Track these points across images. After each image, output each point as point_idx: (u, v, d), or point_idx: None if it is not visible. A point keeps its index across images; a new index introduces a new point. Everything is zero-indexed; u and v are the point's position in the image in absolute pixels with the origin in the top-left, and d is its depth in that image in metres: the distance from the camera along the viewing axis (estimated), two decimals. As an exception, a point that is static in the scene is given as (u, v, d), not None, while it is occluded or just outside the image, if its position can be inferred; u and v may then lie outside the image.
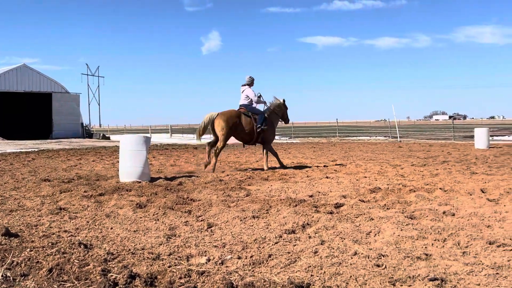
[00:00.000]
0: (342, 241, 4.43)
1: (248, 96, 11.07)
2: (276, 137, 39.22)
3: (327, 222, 5.15)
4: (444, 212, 5.62)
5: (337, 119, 37.68)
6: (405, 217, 5.37)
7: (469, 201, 6.37)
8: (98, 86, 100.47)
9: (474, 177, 9.16)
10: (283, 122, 11.97)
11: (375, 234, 4.67)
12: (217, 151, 10.65)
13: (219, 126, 10.57)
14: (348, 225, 5.03)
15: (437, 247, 4.20)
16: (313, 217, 5.39)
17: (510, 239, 4.37)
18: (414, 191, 7.30)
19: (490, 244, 4.22)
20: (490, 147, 18.75)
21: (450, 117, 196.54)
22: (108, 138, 36.52)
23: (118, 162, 10.38)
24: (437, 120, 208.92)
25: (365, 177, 9.38)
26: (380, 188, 7.72)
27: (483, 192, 7.25)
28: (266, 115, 11.22)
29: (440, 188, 7.54)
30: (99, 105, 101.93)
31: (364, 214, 5.60)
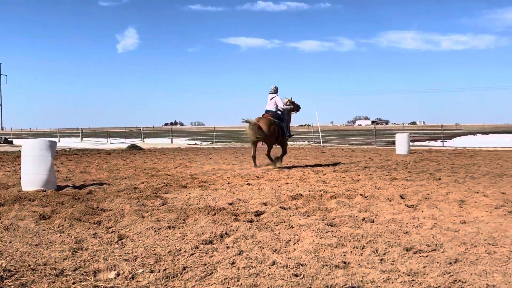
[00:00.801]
0: (261, 250, 4.47)
1: (276, 104, 13.04)
2: (198, 142, 39.02)
3: (246, 231, 5.17)
4: (363, 219, 5.85)
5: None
6: (325, 224, 5.53)
7: (388, 207, 6.68)
8: (0, 85, 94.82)
9: (394, 183, 9.62)
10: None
11: (295, 243, 4.76)
12: (268, 152, 13.14)
13: (263, 131, 12.42)
14: (267, 233, 5.09)
15: (355, 254, 4.35)
16: (232, 226, 5.40)
17: (426, 245, 4.62)
18: (335, 198, 7.54)
19: (407, 250, 4.43)
20: (410, 153, 19.79)
21: (372, 122, 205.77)
22: (11, 142, 34.58)
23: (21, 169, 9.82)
24: (360, 125, 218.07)
25: (287, 183, 9.55)
26: (301, 195, 7.90)
27: (402, 198, 7.63)
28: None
29: (360, 194, 7.85)
30: (0, 105, 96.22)
31: (284, 222, 5.69)
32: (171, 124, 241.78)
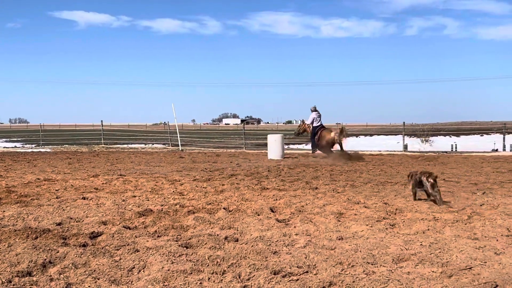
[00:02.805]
0: (95, 282, 4.34)
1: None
2: (18, 144, 36.96)
3: (77, 258, 4.99)
4: (226, 238, 5.95)
5: (102, 122, 37.20)
6: (179, 246, 5.53)
7: (256, 223, 6.87)
8: None
9: (264, 193, 9.92)
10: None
11: (140, 270, 4.69)
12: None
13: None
14: (105, 260, 4.95)
15: (214, 281, 4.40)
16: (58, 252, 5.18)
17: (298, 267, 4.82)
18: (194, 213, 7.60)
19: (274, 274, 4.59)
20: (285, 157, 20.56)
21: (242, 121, 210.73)
22: None
23: None
24: (228, 124, 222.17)
25: (135, 196, 9.43)
26: (151, 211, 7.83)
27: (272, 211, 7.89)
28: None
29: (224, 208, 7.98)
30: None
31: (128, 244, 5.59)
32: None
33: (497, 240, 6.05)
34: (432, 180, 8.76)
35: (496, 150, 27.95)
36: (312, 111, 21.42)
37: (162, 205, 8.37)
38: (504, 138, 28.46)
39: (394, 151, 26.88)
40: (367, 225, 6.84)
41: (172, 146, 31.33)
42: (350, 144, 25.89)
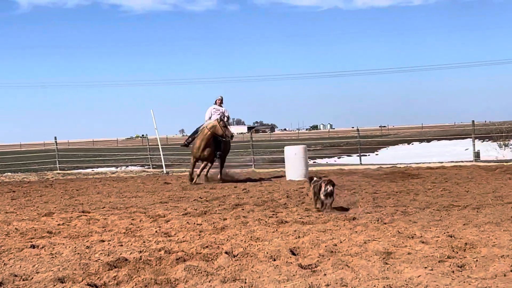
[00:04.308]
0: None
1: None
2: None
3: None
4: (230, 295, 5.92)
5: (55, 139, 37.23)
6: (166, 309, 5.50)
7: (271, 271, 6.83)
8: None
9: (282, 228, 9.89)
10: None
11: None
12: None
13: None
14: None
15: None
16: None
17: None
18: (185, 261, 7.58)
19: None
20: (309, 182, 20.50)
21: (249, 128, 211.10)
22: None
23: None
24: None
25: (103, 241, 9.42)
26: (126, 260, 7.81)
27: (294, 254, 7.86)
28: None
29: (226, 252, 7.94)
30: None
31: (94, 310, 5.57)
32: None
33: None
34: (330, 188, 11.48)
35: None
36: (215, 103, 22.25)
37: (140, 252, 8.35)
38: None
39: (462, 161, 26.87)
40: (425, 267, 6.79)
41: (153, 167, 31.36)
42: (400, 153, 25.89)
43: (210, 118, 21.04)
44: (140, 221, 11.54)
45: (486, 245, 7.89)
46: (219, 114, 21.12)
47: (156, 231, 10.20)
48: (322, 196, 11.85)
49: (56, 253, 8.54)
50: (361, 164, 28.73)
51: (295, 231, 9.58)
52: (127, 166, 34.78)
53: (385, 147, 49.82)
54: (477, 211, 11.10)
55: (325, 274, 6.68)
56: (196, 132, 21.15)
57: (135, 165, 35.01)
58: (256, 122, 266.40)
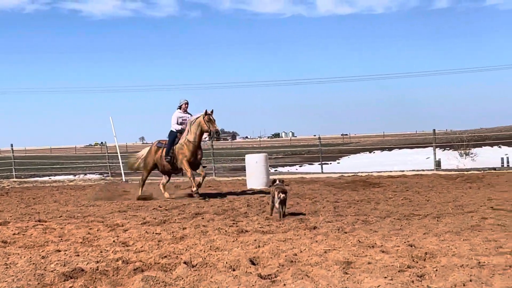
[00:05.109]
0: None
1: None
2: None
3: None
4: (187, 306, 5.85)
5: (12, 146, 36.76)
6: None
7: (230, 282, 6.78)
8: None
9: (242, 238, 9.84)
10: None
11: None
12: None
13: None
14: None
15: None
16: None
17: None
18: (142, 271, 7.51)
19: None
20: (270, 185, 20.46)
21: (210, 136, 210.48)
22: None
23: None
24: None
25: (59, 251, 9.31)
26: (83, 270, 7.72)
27: (253, 263, 7.82)
28: None
29: (185, 262, 7.88)
30: None
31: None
32: None
33: None
34: (282, 195, 12.00)
35: None
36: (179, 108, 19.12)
37: (97, 262, 8.25)
38: None
39: (423, 170, 27.06)
40: (385, 277, 6.79)
41: (112, 176, 31.15)
42: (363, 161, 26.02)
43: (177, 123, 18.58)
44: (97, 230, 11.42)
45: (446, 255, 7.93)
46: (185, 122, 18.40)
47: (114, 241, 10.09)
48: (276, 204, 12.17)
49: (10, 263, 8.41)
50: (322, 172, 28.83)
51: (255, 240, 9.53)
52: (85, 174, 34.50)
53: (347, 155, 49.97)
54: (437, 220, 11.16)
55: (284, 285, 6.65)
56: (173, 140, 18.27)
57: (93, 173, 34.71)
58: (220, 128, 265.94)
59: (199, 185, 17.87)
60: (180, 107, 18.75)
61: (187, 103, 18.86)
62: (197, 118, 17.90)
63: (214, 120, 17.80)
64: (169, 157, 17.93)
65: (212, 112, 17.83)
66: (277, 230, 10.66)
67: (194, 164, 18.04)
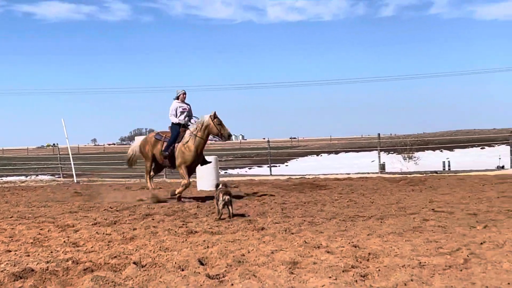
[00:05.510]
0: None
1: None
2: None
3: None
4: (136, 306, 5.87)
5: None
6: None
7: (179, 282, 6.81)
8: None
9: (192, 238, 9.87)
10: None
11: None
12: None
13: None
14: None
15: None
16: None
17: None
18: (92, 271, 7.49)
19: None
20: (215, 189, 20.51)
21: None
22: None
23: None
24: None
25: (9, 251, 9.23)
26: (33, 270, 7.66)
27: (202, 264, 7.85)
28: None
29: (135, 263, 7.88)
30: None
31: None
32: None
33: (502, 291, 6.17)
34: (227, 197, 12.22)
35: (502, 167, 28.70)
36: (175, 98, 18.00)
37: (48, 262, 8.20)
38: (511, 151, 29.09)
39: (368, 173, 27.35)
40: (330, 277, 6.87)
41: (64, 177, 30.88)
42: (309, 164, 26.21)
43: (176, 115, 17.46)
44: (48, 231, 11.33)
45: (388, 255, 8.05)
46: (185, 112, 17.66)
47: (64, 241, 10.03)
48: (220, 206, 12.31)
49: (-41, 264, 8.32)
50: (271, 175, 29.01)
51: (204, 241, 9.57)
52: (37, 175, 34.10)
53: (295, 158, 50.28)
54: (381, 222, 11.30)
55: (232, 284, 6.69)
56: (176, 136, 17.27)
57: (45, 174, 34.34)
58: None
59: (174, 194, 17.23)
60: (177, 98, 17.71)
61: (185, 93, 17.86)
62: (204, 123, 16.91)
63: (222, 124, 17.01)
64: (167, 153, 17.04)
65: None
66: (226, 231, 10.70)
67: (197, 163, 17.56)
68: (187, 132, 17.07)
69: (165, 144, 17.17)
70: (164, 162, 17.52)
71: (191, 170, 17.55)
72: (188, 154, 16.77)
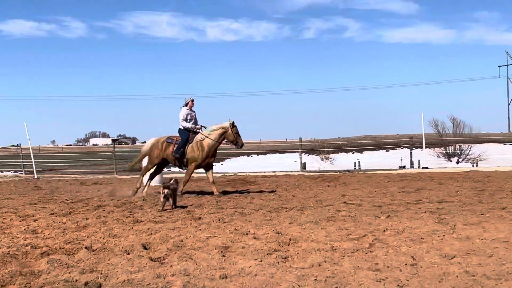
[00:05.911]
0: None
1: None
2: None
3: None
4: (86, 284, 5.81)
5: None
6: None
7: (125, 264, 6.73)
8: None
9: (137, 227, 9.77)
10: None
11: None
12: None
13: None
14: None
15: None
16: None
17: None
18: (48, 255, 7.35)
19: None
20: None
21: (113, 140, 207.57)
22: None
23: None
24: (96, 145, 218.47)
25: (-27, 237, 8.99)
26: (-5, 254, 7.48)
27: (145, 248, 7.78)
28: None
29: (86, 247, 7.76)
30: None
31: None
32: None
33: (400, 271, 6.28)
34: (167, 190, 12.17)
35: (404, 167, 29.29)
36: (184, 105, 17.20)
37: (9, 247, 8.01)
38: (411, 153, 29.86)
39: (291, 171, 27.53)
40: (256, 259, 6.89)
41: (26, 173, 30.31)
42: (241, 164, 26.25)
43: (186, 120, 16.61)
44: (10, 220, 11.09)
45: (306, 240, 8.11)
46: (193, 119, 16.88)
47: (24, 229, 9.82)
48: (162, 199, 12.28)
49: None
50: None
51: (148, 229, 9.49)
52: (1, 171, 33.29)
53: (229, 158, 50.29)
54: (301, 212, 11.36)
55: (171, 266, 6.66)
56: (186, 140, 16.50)
57: (8, 171, 33.59)
58: (120, 135, 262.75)
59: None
60: (186, 105, 16.95)
61: (193, 100, 17.14)
62: (222, 129, 16.35)
63: (238, 133, 16.51)
64: (178, 155, 16.30)
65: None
66: (167, 220, 10.63)
67: (207, 163, 16.53)
68: (199, 135, 16.47)
69: (176, 146, 16.52)
70: (175, 162, 16.84)
71: (204, 167, 16.78)
72: (200, 153, 16.21)
